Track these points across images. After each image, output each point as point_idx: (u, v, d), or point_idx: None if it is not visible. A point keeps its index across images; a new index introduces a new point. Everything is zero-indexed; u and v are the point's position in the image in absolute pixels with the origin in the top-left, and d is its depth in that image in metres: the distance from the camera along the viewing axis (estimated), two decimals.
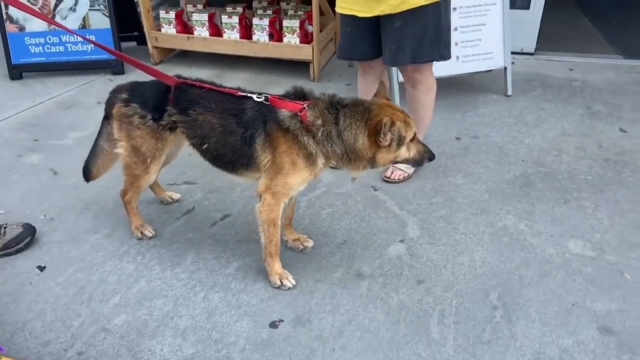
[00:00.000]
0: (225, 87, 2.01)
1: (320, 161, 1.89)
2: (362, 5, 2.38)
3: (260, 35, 4.12)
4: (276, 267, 2.04)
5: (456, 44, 3.50)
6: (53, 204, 2.57)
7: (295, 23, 4.01)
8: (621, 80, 4.05)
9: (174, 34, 4.36)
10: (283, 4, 4.49)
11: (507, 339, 1.82)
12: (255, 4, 4.49)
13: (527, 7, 4.45)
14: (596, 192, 2.65)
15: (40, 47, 4.09)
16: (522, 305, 1.95)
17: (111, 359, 1.76)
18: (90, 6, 4.08)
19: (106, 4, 4.07)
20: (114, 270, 2.14)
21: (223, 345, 1.80)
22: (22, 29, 4.04)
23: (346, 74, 4.20)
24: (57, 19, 4.06)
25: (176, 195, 2.60)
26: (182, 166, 2.79)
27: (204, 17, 4.23)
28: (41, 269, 2.15)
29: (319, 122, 1.83)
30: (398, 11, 2.31)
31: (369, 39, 2.48)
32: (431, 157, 1.99)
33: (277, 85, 3.93)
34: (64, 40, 4.11)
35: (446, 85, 3.62)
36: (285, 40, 4.09)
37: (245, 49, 4.21)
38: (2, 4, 3.91)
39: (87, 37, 2.24)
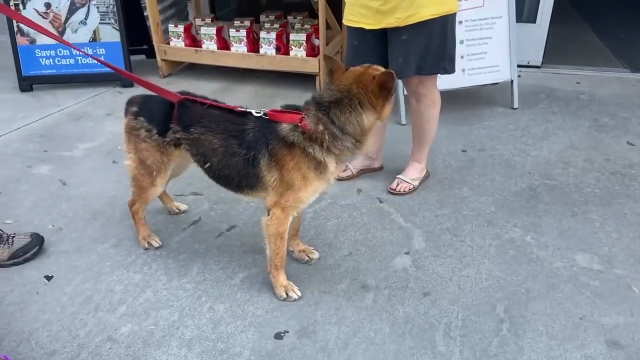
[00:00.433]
0: (225, 104, 2.02)
1: (332, 165, 1.88)
2: (370, 18, 2.41)
3: (267, 48, 4.17)
4: (281, 279, 2.04)
5: (462, 56, 3.53)
6: (61, 214, 2.59)
7: (302, 36, 4.06)
8: (628, 94, 4.05)
9: (182, 47, 4.42)
10: (290, 18, 4.55)
11: (514, 352, 1.80)
12: (262, 18, 4.55)
13: (534, 21, 4.49)
14: (604, 205, 2.64)
15: (51, 60, 4.16)
16: (529, 319, 1.94)
17: None
18: (101, 20, 4.16)
19: (116, 18, 4.14)
20: (120, 280, 2.15)
21: (228, 355, 1.80)
22: (32, 41, 4.11)
23: None
24: (68, 32, 4.14)
25: (183, 207, 2.61)
26: (189, 177, 2.80)
27: (212, 30, 4.29)
28: (48, 278, 2.16)
29: (320, 127, 1.82)
30: (405, 24, 2.34)
31: (376, 52, 2.50)
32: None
33: (284, 98, 3.96)
34: (74, 53, 4.17)
35: (452, 98, 3.64)
36: (292, 53, 4.13)
37: (252, 62, 4.25)
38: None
39: (85, 50, 2.28)
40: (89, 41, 4.18)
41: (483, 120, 3.64)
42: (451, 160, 3.10)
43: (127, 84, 4.21)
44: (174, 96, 2.03)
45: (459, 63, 2.60)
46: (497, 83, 3.77)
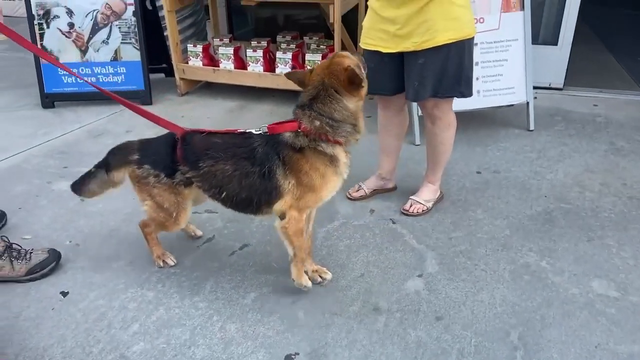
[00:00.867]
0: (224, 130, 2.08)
1: (342, 156, 1.97)
2: (387, 41, 2.44)
3: (283, 68, 4.22)
4: (303, 271, 2.15)
5: (477, 78, 3.53)
6: (79, 230, 2.64)
7: (318, 57, 4.10)
8: None
9: (200, 67, 4.50)
10: (306, 38, 4.61)
11: None
12: (279, 38, 4.62)
13: (555, 43, 4.47)
14: (620, 231, 2.60)
15: (73, 78, 4.25)
16: (543, 346, 1.91)
17: None
18: (122, 40, 4.26)
19: (137, 37, 4.24)
20: (134, 297, 2.18)
21: None
22: (55, 59, 4.21)
23: (366, 107, 4.16)
24: (91, 51, 4.24)
25: (199, 232, 2.60)
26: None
27: (230, 50, 4.36)
28: (64, 294, 2.20)
29: (317, 123, 1.90)
30: (422, 49, 2.36)
31: (392, 75, 2.52)
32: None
33: None
34: (95, 71, 4.28)
35: (467, 119, 3.64)
36: None
37: (268, 82, 4.31)
38: (37, 38, 4.12)
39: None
40: (110, 60, 4.28)
41: (498, 141, 3.62)
42: (465, 181, 3.09)
43: (146, 101, 4.29)
44: (176, 127, 2.08)
45: (474, 85, 2.60)
46: (513, 105, 3.76)
